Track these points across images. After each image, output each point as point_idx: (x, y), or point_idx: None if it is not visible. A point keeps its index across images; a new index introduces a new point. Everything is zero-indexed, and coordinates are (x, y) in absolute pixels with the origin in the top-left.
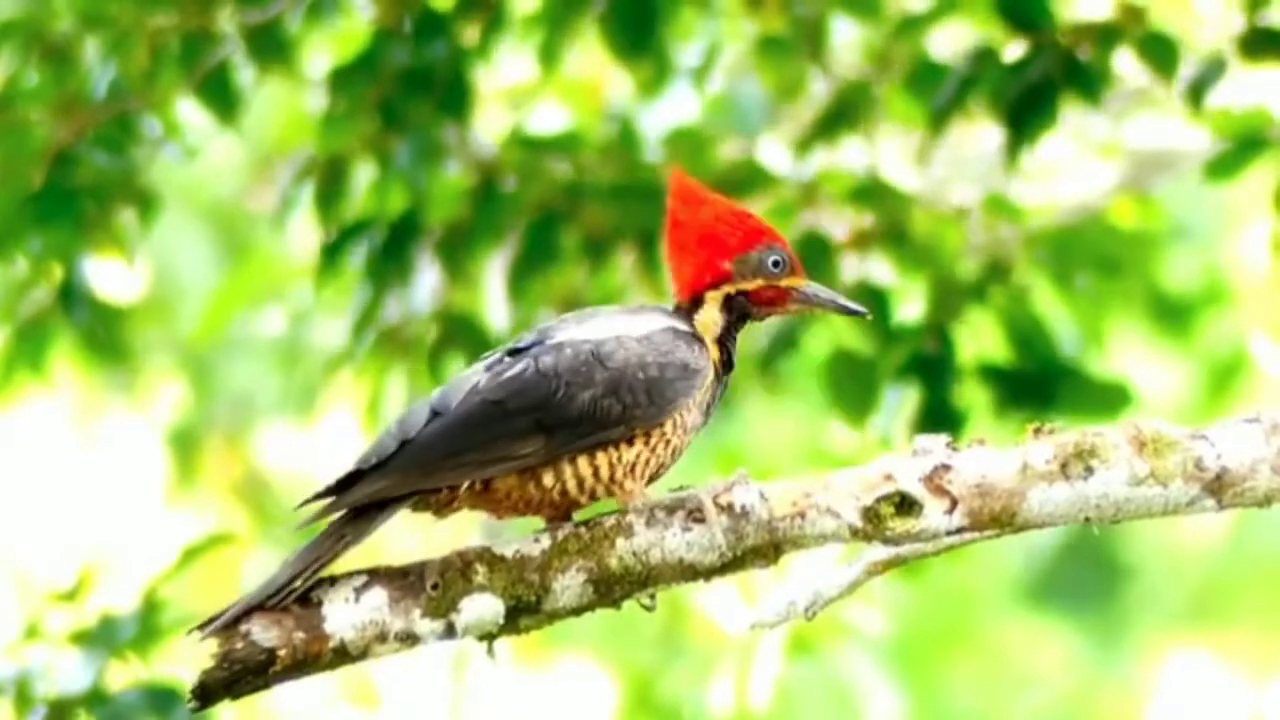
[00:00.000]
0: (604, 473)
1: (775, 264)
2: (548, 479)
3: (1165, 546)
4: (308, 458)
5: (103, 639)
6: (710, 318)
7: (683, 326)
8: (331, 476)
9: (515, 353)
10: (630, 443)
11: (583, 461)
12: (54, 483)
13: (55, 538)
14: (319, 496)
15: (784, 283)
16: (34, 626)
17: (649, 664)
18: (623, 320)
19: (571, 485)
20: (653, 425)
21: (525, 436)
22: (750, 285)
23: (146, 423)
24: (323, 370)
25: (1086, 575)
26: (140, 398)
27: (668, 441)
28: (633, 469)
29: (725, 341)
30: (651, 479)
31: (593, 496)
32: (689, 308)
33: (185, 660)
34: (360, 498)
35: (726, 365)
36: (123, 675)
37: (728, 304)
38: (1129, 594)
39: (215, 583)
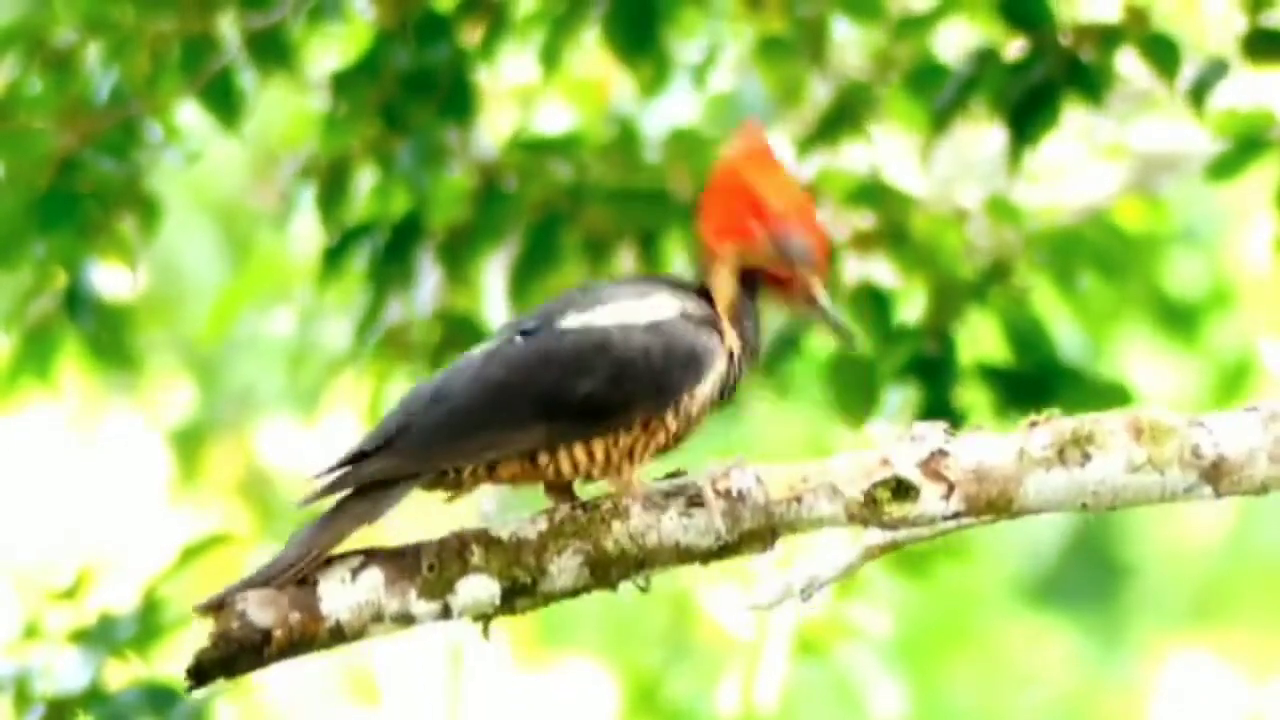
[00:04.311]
0: (600, 457)
1: (800, 251)
2: (543, 461)
3: (1166, 546)
4: (311, 456)
5: (102, 638)
6: (725, 286)
7: (694, 309)
8: (336, 456)
9: (520, 334)
10: (629, 429)
11: (579, 447)
12: (55, 482)
13: (55, 537)
14: (325, 474)
15: (800, 272)
16: (33, 625)
17: (653, 665)
18: (631, 304)
19: (567, 469)
20: (654, 414)
21: (526, 424)
22: (766, 261)
23: (148, 421)
24: (326, 372)
25: (1087, 575)
26: (143, 396)
27: (668, 429)
28: (630, 454)
29: (743, 316)
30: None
31: (589, 479)
32: (705, 273)
33: (185, 652)
34: (362, 478)
35: (745, 344)
36: (122, 674)
37: (743, 277)
38: (1129, 594)
39: (216, 581)
